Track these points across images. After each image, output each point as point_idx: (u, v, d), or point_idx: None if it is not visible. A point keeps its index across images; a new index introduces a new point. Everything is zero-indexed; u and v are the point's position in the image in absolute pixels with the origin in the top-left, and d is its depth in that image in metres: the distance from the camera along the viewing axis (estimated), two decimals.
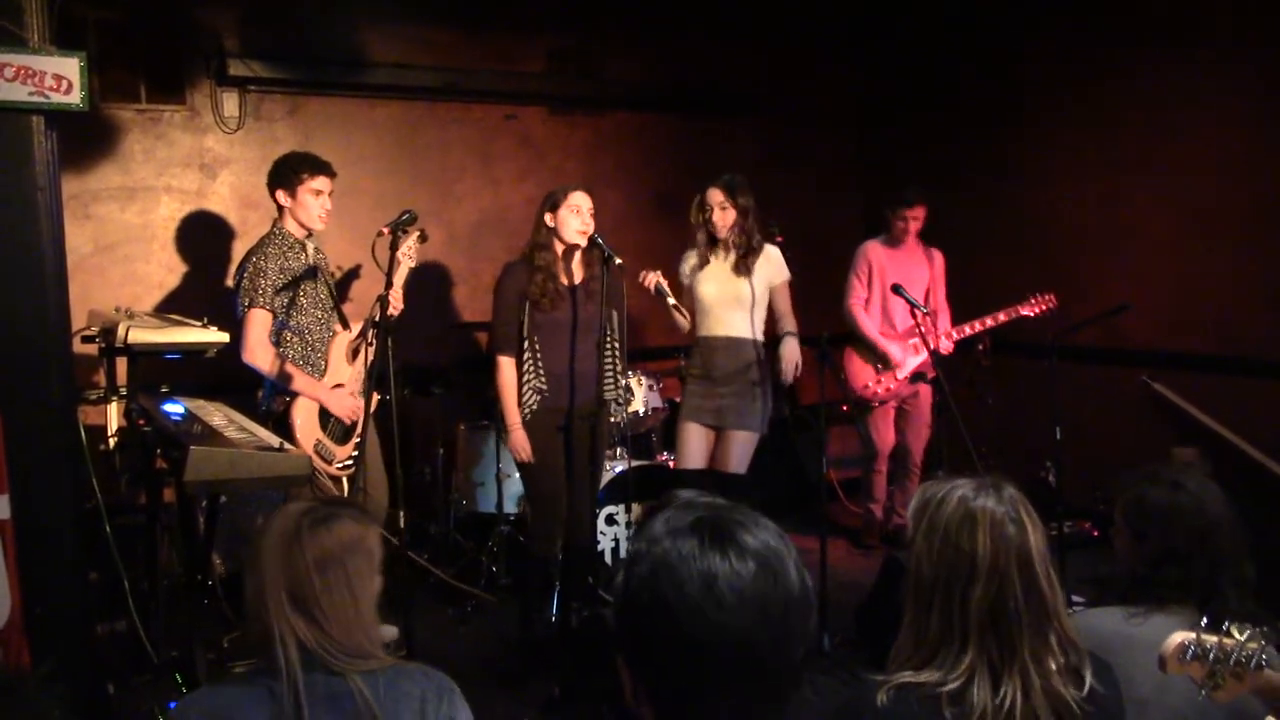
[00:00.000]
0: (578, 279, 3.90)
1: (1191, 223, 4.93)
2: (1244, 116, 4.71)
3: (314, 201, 3.88)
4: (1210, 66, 4.80)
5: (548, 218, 3.84)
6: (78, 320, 3.50)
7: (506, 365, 3.85)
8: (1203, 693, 1.63)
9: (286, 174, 3.87)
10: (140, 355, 3.43)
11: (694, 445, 4.29)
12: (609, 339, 3.84)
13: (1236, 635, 1.63)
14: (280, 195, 3.88)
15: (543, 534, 3.90)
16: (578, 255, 3.88)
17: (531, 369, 3.81)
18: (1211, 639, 1.64)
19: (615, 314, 3.91)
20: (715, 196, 4.24)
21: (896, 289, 4.20)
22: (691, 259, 4.39)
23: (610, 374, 3.89)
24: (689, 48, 6.13)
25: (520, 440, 3.81)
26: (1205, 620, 1.68)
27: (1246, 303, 4.73)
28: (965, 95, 6.08)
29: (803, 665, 1.15)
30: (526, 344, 3.82)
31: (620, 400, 3.96)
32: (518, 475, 4.16)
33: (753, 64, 6.31)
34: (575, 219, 3.79)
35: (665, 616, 1.07)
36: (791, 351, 4.20)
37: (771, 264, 4.24)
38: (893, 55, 6.57)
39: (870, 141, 6.74)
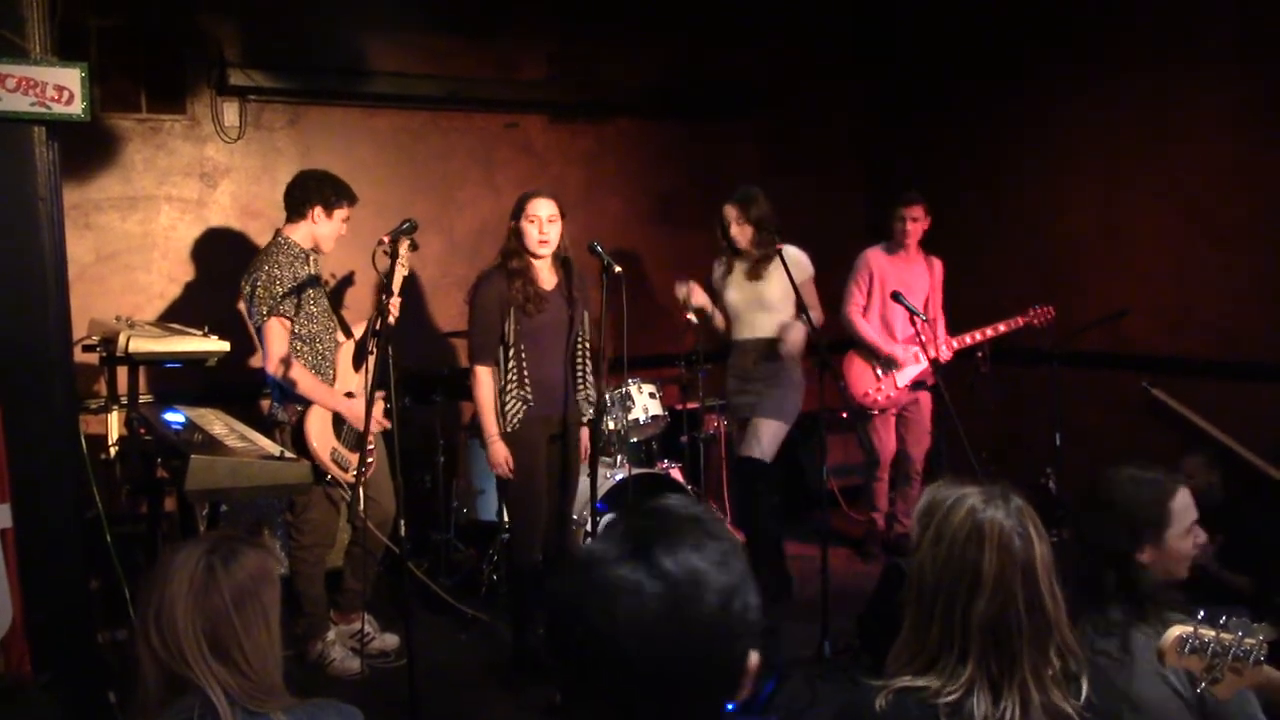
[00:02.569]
0: (553, 284, 3.87)
1: (1191, 226, 4.93)
2: (1243, 120, 4.71)
3: (341, 227, 3.99)
4: (1209, 70, 4.81)
5: (514, 225, 3.80)
6: (79, 330, 3.51)
7: (487, 376, 3.78)
8: (1201, 686, 1.63)
9: (330, 196, 3.93)
10: (141, 364, 3.43)
11: (737, 438, 4.73)
12: (580, 342, 3.90)
13: (1235, 630, 1.63)
14: (317, 211, 3.91)
15: (524, 543, 3.86)
16: (548, 261, 3.84)
17: (515, 378, 3.75)
18: (1209, 633, 1.63)
19: (586, 315, 3.92)
20: (730, 213, 4.55)
21: (896, 296, 4.21)
22: (719, 268, 4.72)
23: (581, 378, 3.91)
24: (690, 53, 6.14)
25: (501, 453, 3.75)
26: (1203, 614, 1.68)
27: (1247, 306, 4.72)
28: (966, 99, 6.09)
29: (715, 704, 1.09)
30: (511, 352, 3.76)
31: (591, 403, 3.91)
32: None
33: (754, 69, 6.31)
34: (532, 229, 3.73)
35: (564, 615, 1.08)
36: (795, 334, 4.42)
37: (792, 264, 4.31)
38: (894, 59, 6.58)
39: (872, 145, 6.75)
